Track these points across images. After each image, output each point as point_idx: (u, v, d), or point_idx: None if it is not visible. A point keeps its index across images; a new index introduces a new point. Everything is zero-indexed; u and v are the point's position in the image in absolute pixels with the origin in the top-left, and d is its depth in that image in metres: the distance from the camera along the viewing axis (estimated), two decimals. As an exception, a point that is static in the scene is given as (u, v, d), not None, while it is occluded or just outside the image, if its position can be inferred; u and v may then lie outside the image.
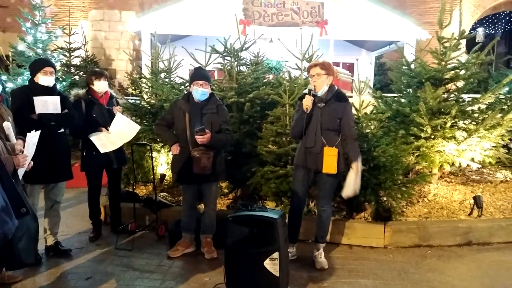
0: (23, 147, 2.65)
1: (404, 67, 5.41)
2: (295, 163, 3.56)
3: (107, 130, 3.88)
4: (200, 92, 3.54)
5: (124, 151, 4.22)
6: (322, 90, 3.35)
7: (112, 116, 3.93)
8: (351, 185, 3.36)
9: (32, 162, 2.73)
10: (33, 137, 2.62)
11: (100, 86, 3.96)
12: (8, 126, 2.74)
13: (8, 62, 8.42)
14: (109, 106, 4.01)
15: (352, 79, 7.03)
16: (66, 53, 9.71)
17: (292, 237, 3.54)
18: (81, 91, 3.95)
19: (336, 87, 3.45)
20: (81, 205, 5.26)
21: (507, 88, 5.91)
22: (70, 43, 9.77)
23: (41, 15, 8.66)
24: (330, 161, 3.26)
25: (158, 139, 5.13)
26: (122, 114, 4.03)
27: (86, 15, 11.42)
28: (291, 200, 3.67)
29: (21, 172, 2.49)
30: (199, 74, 3.63)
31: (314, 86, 3.35)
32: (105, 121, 3.90)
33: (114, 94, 4.26)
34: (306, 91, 3.43)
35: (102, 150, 3.77)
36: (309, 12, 9.51)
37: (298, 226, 3.63)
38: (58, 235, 3.76)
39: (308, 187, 3.57)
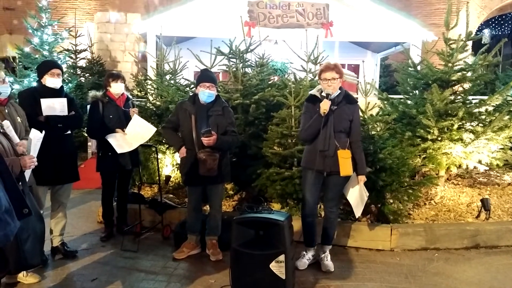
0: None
1: (410, 68, 5.38)
2: (305, 166, 3.49)
3: (123, 131, 3.93)
4: (206, 94, 3.54)
5: (138, 153, 4.27)
6: (335, 93, 3.36)
7: (128, 117, 3.98)
8: (359, 201, 3.45)
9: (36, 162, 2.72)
10: (40, 138, 2.62)
11: (117, 88, 4.03)
12: (7, 125, 2.70)
13: (14, 64, 8.48)
14: (125, 108, 4.06)
15: (358, 81, 7.00)
16: (72, 55, 9.79)
17: (310, 241, 3.53)
18: (99, 93, 4.06)
19: (343, 89, 3.45)
20: (86, 206, 5.28)
21: (514, 90, 5.86)
22: (76, 45, 9.84)
23: (47, 17, 8.73)
24: (346, 164, 3.27)
25: (164, 142, 5.14)
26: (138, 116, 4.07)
27: (92, 17, 11.49)
28: (304, 203, 3.54)
29: (27, 174, 2.49)
30: (206, 76, 3.63)
31: (330, 89, 3.31)
32: (121, 122, 3.96)
33: (130, 97, 4.33)
34: (314, 92, 3.42)
35: (119, 150, 3.81)
36: (314, 13, 9.50)
37: (314, 229, 3.54)
38: (64, 236, 3.76)
39: (320, 189, 3.51)
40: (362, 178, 3.44)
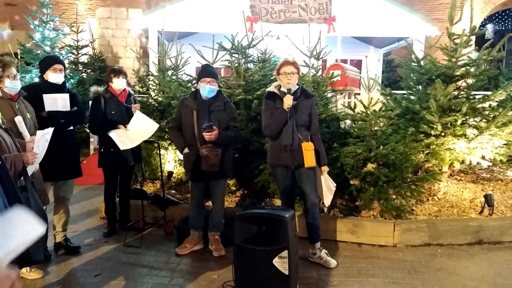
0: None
1: (413, 63, 5.34)
2: (271, 162, 3.54)
3: (125, 127, 3.91)
4: (207, 89, 3.53)
5: (140, 149, 4.25)
6: (294, 88, 3.41)
7: (129, 113, 3.97)
8: (326, 191, 3.51)
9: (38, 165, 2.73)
10: (44, 134, 2.62)
11: (119, 83, 4.01)
12: (19, 120, 2.74)
13: (16, 59, 8.47)
14: (127, 104, 4.04)
15: (361, 76, 6.97)
16: (74, 51, 9.77)
17: None
18: (100, 89, 4.02)
19: (300, 84, 3.53)
20: (89, 202, 5.29)
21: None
22: (77, 41, 9.82)
23: (49, 13, 8.70)
24: (310, 155, 3.35)
25: (167, 138, 5.13)
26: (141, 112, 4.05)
27: (94, 12, 11.47)
28: (281, 198, 3.63)
29: (30, 170, 2.48)
30: (206, 71, 3.62)
31: (290, 84, 3.37)
32: (123, 118, 3.94)
33: (132, 92, 4.31)
34: (272, 89, 3.46)
35: (122, 147, 3.79)
36: (317, 8, 9.43)
37: None
38: (67, 232, 3.77)
39: (293, 183, 3.53)
40: (325, 169, 3.53)
